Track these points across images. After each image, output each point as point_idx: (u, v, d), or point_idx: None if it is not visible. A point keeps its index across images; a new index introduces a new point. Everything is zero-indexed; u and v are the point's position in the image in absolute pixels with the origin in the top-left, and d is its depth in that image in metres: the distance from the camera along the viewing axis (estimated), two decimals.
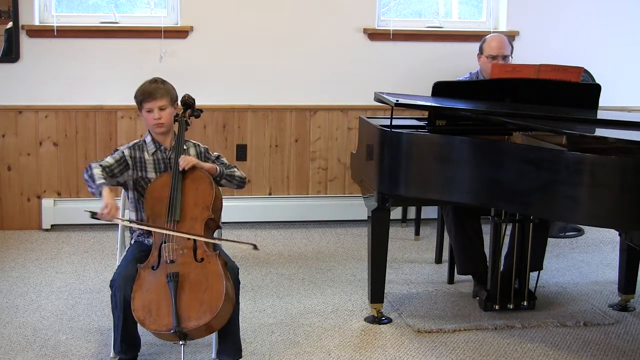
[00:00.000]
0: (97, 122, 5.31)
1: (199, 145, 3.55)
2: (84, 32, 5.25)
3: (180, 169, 3.34)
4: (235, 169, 3.52)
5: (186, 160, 3.36)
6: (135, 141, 3.50)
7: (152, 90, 3.41)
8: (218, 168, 3.45)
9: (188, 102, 3.59)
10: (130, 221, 3.35)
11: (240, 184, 3.53)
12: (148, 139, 3.47)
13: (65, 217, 5.32)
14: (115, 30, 5.27)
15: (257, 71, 5.41)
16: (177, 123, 3.52)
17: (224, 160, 3.56)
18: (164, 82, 3.48)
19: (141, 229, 3.38)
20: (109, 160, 3.38)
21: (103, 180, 3.24)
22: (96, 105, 5.29)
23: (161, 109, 3.40)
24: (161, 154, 3.45)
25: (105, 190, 3.21)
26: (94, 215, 3.19)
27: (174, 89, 3.49)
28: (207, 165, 3.44)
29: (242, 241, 3.46)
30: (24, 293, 4.22)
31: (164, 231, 3.22)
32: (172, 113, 3.44)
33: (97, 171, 3.27)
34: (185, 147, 3.47)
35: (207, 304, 3.07)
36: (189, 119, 3.57)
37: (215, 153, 3.58)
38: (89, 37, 5.25)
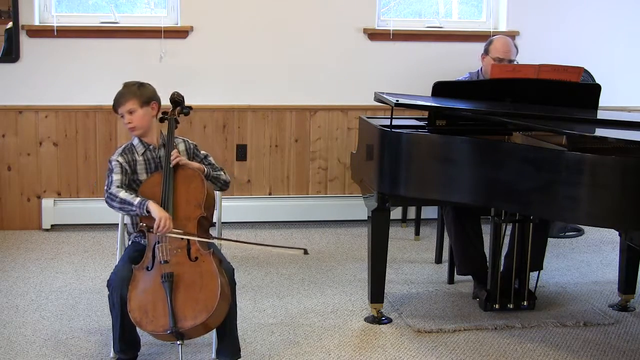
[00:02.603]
0: (97, 122, 5.31)
1: (188, 141, 3.55)
2: (84, 32, 5.25)
3: (172, 164, 3.34)
4: (222, 173, 3.53)
5: (177, 159, 3.36)
6: (123, 146, 3.48)
7: (118, 97, 3.43)
8: (205, 169, 3.46)
9: (177, 99, 3.58)
10: (184, 233, 3.25)
11: (223, 187, 3.55)
12: (135, 141, 3.46)
13: (65, 217, 5.32)
14: (115, 30, 5.27)
15: (257, 71, 5.41)
16: (166, 121, 3.52)
17: (212, 160, 3.56)
18: (136, 84, 3.46)
19: (203, 240, 3.27)
20: (117, 177, 3.35)
21: (139, 198, 3.24)
22: (96, 105, 5.29)
23: (130, 112, 3.39)
24: (150, 153, 3.45)
25: (152, 205, 3.21)
26: (149, 229, 3.20)
27: (149, 90, 3.46)
28: (195, 165, 3.44)
29: (289, 246, 3.43)
30: (24, 293, 4.22)
31: (216, 240, 3.22)
32: (144, 114, 3.41)
33: (123, 194, 3.26)
34: (175, 143, 3.46)
35: (202, 303, 3.07)
36: (178, 116, 3.57)
37: (203, 152, 3.58)
38: (89, 37, 5.25)
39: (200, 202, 3.30)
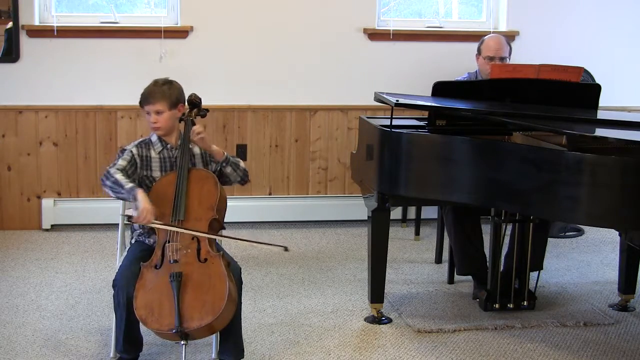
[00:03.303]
0: (97, 122, 5.31)
1: None
2: (84, 32, 5.25)
3: (194, 139, 3.37)
4: (240, 160, 3.54)
5: (199, 135, 3.38)
6: (141, 139, 3.49)
7: (149, 94, 3.39)
8: (225, 153, 3.48)
9: (194, 101, 3.60)
10: (166, 224, 3.26)
11: (243, 177, 3.53)
12: (154, 138, 3.46)
13: (65, 217, 5.32)
14: (115, 30, 5.27)
15: (257, 71, 5.41)
16: (182, 122, 3.52)
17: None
18: (166, 83, 3.43)
19: (175, 231, 3.26)
20: (122, 162, 3.33)
21: (132, 184, 3.22)
22: (96, 105, 5.29)
23: (157, 112, 3.38)
24: (168, 152, 3.45)
25: (140, 194, 3.18)
26: (130, 219, 3.20)
27: (178, 90, 3.46)
28: (215, 147, 3.46)
29: (272, 243, 3.45)
30: (24, 293, 4.22)
31: (199, 234, 3.21)
32: (170, 116, 3.41)
33: (120, 176, 3.23)
34: (190, 146, 3.47)
35: (209, 305, 3.08)
36: (195, 118, 3.57)
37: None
38: (89, 37, 5.25)
39: (213, 204, 3.30)
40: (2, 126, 5.24)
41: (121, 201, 3.60)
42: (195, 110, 3.59)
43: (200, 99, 3.62)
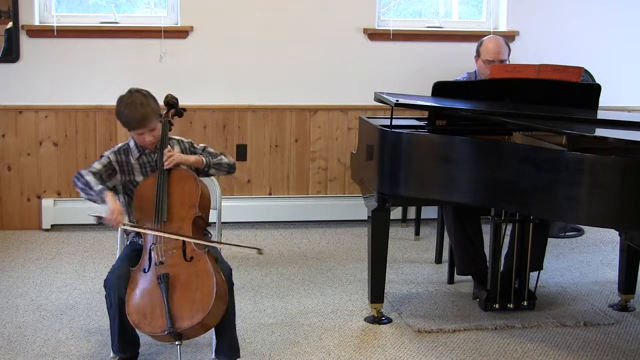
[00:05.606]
0: (97, 122, 5.31)
1: (182, 141, 3.53)
2: (84, 32, 5.25)
3: (167, 166, 3.34)
4: (222, 157, 3.51)
5: (170, 159, 3.34)
6: (119, 145, 3.48)
7: (142, 118, 3.32)
8: (204, 159, 3.44)
9: (171, 102, 3.58)
10: (135, 225, 3.30)
11: (229, 170, 3.52)
12: (132, 143, 3.45)
13: (65, 217, 5.32)
14: (115, 30, 5.27)
15: (257, 71, 5.41)
16: (160, 124, 3.51)
17: (211, 150, 3.54)
18: (147, 100, 3.36)
19: (146, 233, 3.29)
20: (97, 166, 3.36)
21: (102, 186, 3.24)
22: (96, 105, 5.29)
23: (152, 130, 3.37)
24: (146, 157, 3.44)
25: (109, 196, 3.20)
26: (100, 220, 3.19)
27: (154, 100, 3.41)
28: (193, 158, 3.43)
29: (245, 245, 3.45)
30: (24, 293, 4.22)
31: (172, 236, 3.21)
32: (160, 127, 3.41)
33: (90, 178, 3.26)
34: (170, 145, 3.45)
35: (198, 303, 3.08)
36: (172, 118, 3.56)
37: (201, 145, 3.56)
38: (89, 37, 5.25)
39: (195, 203, 3.30)
40: (2, 126, 5.24)
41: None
42: (172, 110, 3.57)
43: (176, 99, 3.59)
